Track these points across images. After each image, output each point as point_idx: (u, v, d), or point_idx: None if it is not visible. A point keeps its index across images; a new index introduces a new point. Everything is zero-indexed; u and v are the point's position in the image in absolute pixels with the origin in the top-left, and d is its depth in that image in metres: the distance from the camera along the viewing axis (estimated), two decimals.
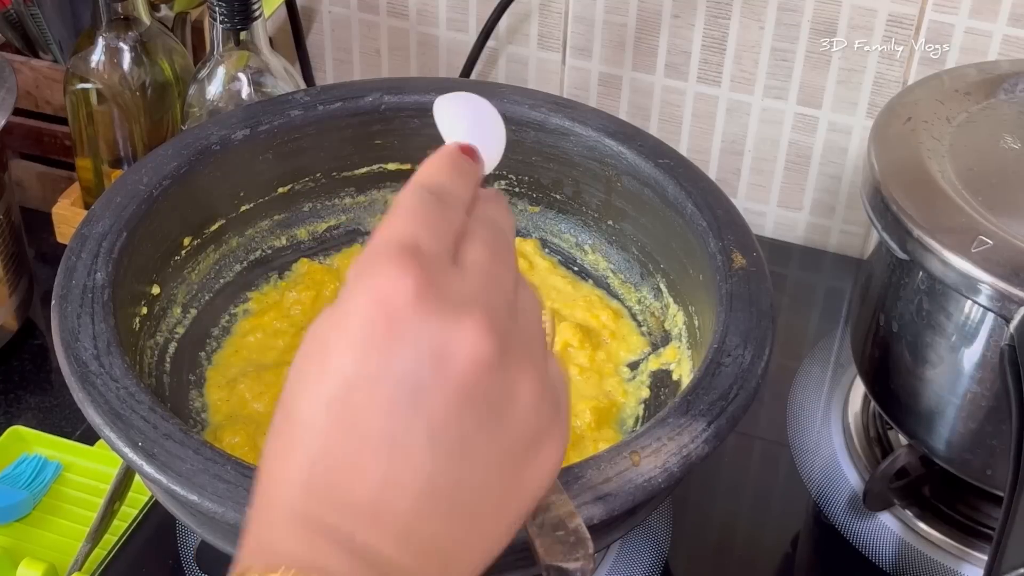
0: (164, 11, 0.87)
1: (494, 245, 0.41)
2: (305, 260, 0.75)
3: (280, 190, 0.74)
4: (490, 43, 0.94)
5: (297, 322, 0.72)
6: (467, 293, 0.38)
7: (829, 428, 0.77)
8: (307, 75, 0.99)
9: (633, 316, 0.73)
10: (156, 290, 0.67)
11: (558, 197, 0.76)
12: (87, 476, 0.72)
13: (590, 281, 0.75)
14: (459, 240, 0.40)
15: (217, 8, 0.73)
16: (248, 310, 0.73)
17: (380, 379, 0.37)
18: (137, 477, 0.68)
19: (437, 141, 0.78)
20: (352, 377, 0.37)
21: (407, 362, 0.37)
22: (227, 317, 0.72)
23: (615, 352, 0.71)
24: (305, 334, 0.39)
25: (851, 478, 0.74)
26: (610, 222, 0.74)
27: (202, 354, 0.70)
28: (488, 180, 0.76)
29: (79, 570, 0.66)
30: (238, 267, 0.73)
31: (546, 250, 0.77)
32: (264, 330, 0.71)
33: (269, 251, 0.74)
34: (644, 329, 0.72)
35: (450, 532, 0.38)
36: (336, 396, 0.37)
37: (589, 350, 0.70)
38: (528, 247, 0.76)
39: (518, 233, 0.77)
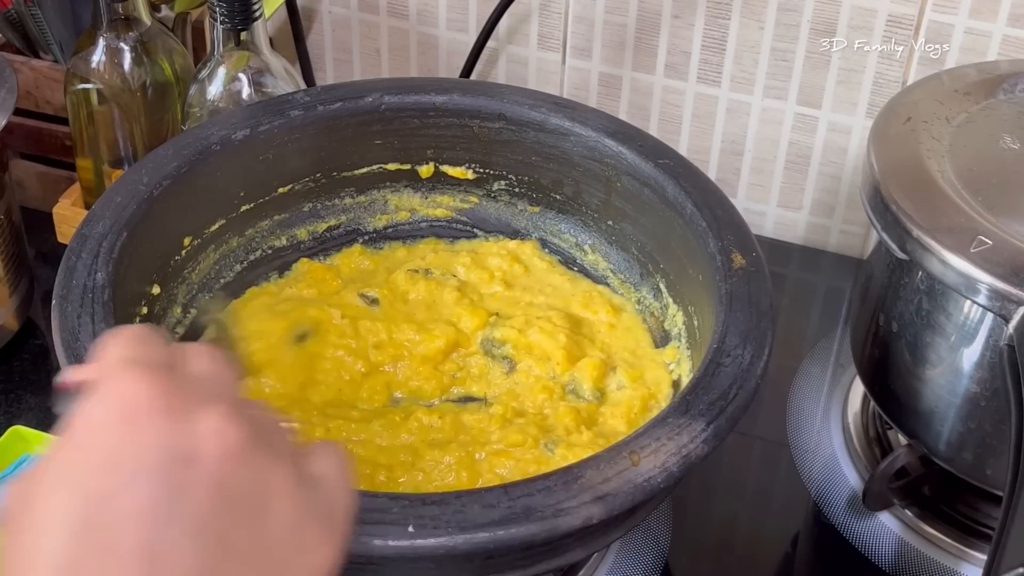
0: (164, 11, 0.87)
1: (213, 358, 0.40)
2: (305, 260, 0.75)
3: (280, 190, 0.74)
4: (490, 43, 0.94)
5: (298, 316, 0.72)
6: (203, 392, 0.38)
7: (829, 428, 0.77)
8: (307, 75, 0.99)
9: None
10: (156, 290, 0.67)
11: (558, 197, 0.76)
12: None
13: (590, 281, 0.75)
14: (176, 365, 0.39)
15: (217, 8, 0.73)
16: None
17: (130, 488, 0.35)
18: None
19: (437, 141, 0.79)
20: (97, 494, 0.35)
21: (157, 467, 0.35)
22: None
23: (614, 345, 0.71)
24: (14, 485, 0.36)
25: (851, 478, 0.74)
26: (610, 222, 0.74)
27: None
28: (489, 180, 0.76)
29: None
30: (238, 267, 0.73)
31: (546, 250, 0.77)
32: None
33: (269, 251, 0.75)
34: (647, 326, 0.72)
35: None
36: (83, 518, 0.35)
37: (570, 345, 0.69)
38: (527, 248, 0.76)
39: (518, 233, 0.77)
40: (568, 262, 0.76)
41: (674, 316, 0.70)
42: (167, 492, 0.35)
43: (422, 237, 0.77)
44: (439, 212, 0.77)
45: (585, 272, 0.76)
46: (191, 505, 0.35)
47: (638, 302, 0.73)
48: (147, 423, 0.36)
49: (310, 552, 0.38)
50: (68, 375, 0.39)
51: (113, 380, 0.37)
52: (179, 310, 0.69)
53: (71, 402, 0.38)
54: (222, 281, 0.72)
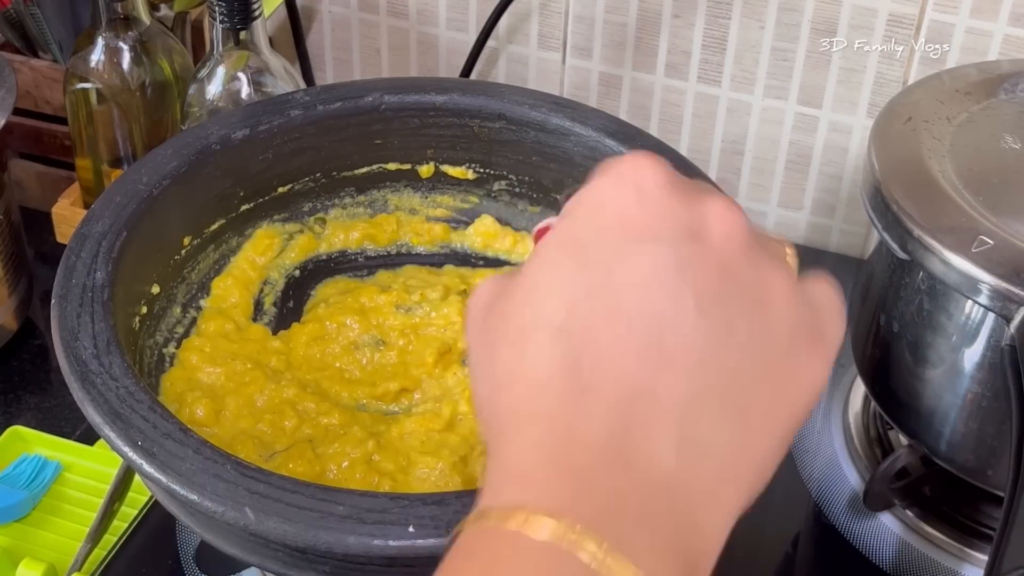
0: (164, 11, 0.87)
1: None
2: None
3: (280, 190, 0.74)
4: (490, 43, 0.94)
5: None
6: (708, 191, 0.38)
7: (829, 428, 0.77)
8: (307, 75, 0.99)
9: None
10: (156, 289, 0.67)
11: (559, 197, 0.75)
12: (87, 476, 0.72)
13: None
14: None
15: (217, 8, 0.73)
16: None
17: (640, 255, 0.35)
18: (137, 477, 0.68)
19: (437, 141, 0.78)
20: (606, 259, 0.35)
21: (665, 236, 0.35)
22: None
23: None
24: (543, 240, 0.37)
25: (851, 478, 0.74)
26: None
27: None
28: (489, 180, 0.76)
29: (79, 570, 0.66)
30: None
31: None
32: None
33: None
34: None
35: (723, 432, 0.35)
36: (594, 281, 0.35)
37: None
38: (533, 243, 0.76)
39: (518, 233, 0.77)
40: None
41: None
42: (676, 262, 0.35)
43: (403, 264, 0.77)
44: (439, 212, 0.77)
45: None
46: (698, 280, 0.35)
47: None
48: (658, 194, 0.36)
49: (804, 365, 0.37)
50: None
51: (625, 160, 0.37)
52: (179, 310, 0.69)
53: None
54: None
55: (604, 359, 0.34)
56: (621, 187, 0.37)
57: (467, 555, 0.34)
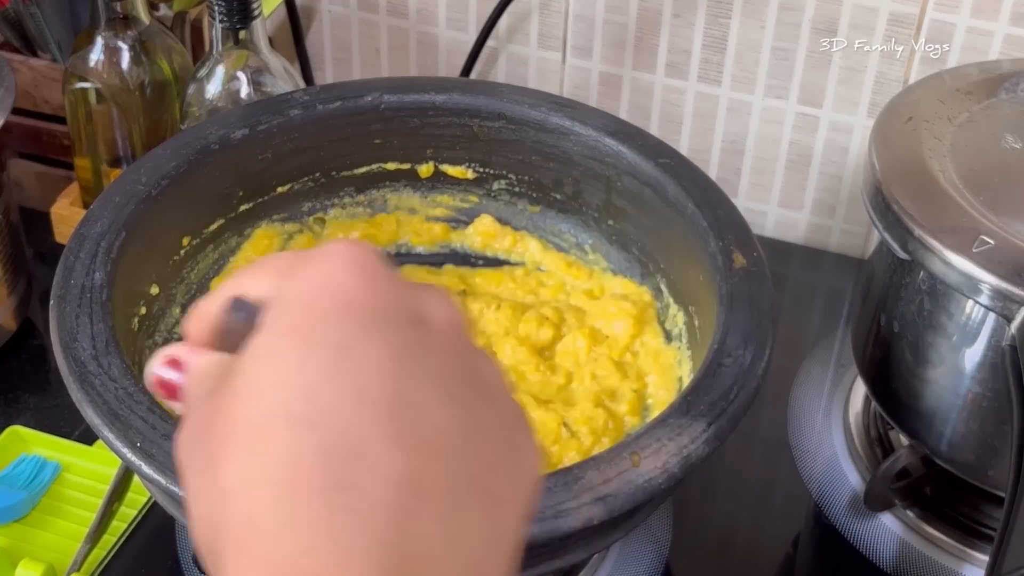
0: (163, 10, 0.87)
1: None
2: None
3: (279, 190, 0.73)
4: (490, 42, 0.94)
5: None
6: (413, 281, 0.35)
7: (830, 428, 0.77)
8: (306, 74, 0.99)
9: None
10: (155, 290, 0.67)
11: (558, 197, 0.76)
12: (86, 476, 0.72)
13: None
14: None
15: (216, 7, 0.73)
16: None
17: (374, 338, 0.32)
18: (136, 477, 0.68)
19: (436, 140, 0.78)
20: (340, 340, 0.32)
21: (394, 320, 0.33)
22: None
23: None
24: (256, 336, 0.33)
25: (852, 478, 0.74)
26: (610, 222, 0.74)
27: None
28: (488, 180, 0.76)
29: (78, 571, 0.66)
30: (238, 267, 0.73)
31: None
32: None
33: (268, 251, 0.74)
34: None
35: (480, 518, 0.32)
36: (329, 365, 0.31)
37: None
38: (534, 242, 0.76)
39: (518, 232, 0.77)
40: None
41: (675, 316, 0.70)
42: (409, 347, 0.32)
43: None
44: (438, 212, 0.77)
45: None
46: (433, 364, 0.33)
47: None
48: (380, 279, 0.33)
49: (528, 443, 0.36)
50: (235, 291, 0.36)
51: (333, 246, 0.34)
52: (178, 310, 0.69)
53: (246, 311, 0.34)
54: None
55: (359, 448, 0.30)
56: (338, 269, 0.33)
57: None
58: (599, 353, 0.69)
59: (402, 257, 0.76)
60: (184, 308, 0.70)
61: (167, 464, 0.52)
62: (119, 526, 0.68)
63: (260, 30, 0.75)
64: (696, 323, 0.67)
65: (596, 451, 0.64)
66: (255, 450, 0.30)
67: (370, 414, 0.31)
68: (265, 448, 0.30)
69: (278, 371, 0.31)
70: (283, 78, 0.76)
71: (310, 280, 0.33)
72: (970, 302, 0.62)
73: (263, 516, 0.30)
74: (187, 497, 0.32)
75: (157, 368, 0.36)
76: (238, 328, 0.34)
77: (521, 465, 0.35)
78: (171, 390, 0.36)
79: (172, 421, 0.54)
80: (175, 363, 0.36)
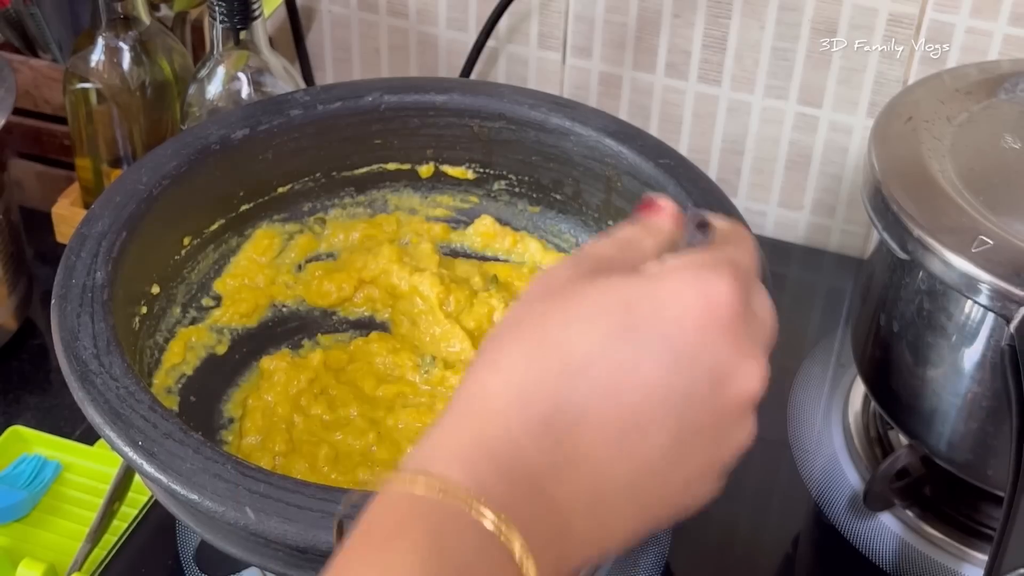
0: (164, 10, 0.87)
1: (766, 298, 0.43)
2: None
3: (280, 190, 0.74)
4: (490, 42, 0.94)
5: None
6: (759, 335, 0.41)
7: (830, 428, 0.77)
8: (307, 75, 0.99)
9: None
10: (156, 289, 0.67)
11: (558, 197, 0.76)
12: (87, 476, 0.72)
13: None
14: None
15: (217, 7, 0.73)
16: None
17: (668, 366, 0.39)
18: (137, 477, 0.68)
19: (437, 141, 0.78)
20: (653, 339, 0.38)
21: (699, 372, 0.39)
22: None
23: None
24: (617, 285, 0.40)
25: (852, 478, 0.74)
26: (610, 222, 0.74)
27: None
28: (489, 180, 0.76)
29: (79, 570, 0.66)
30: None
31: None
32: None
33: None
34: None
35: (626, 513, 0.40)
36: (618, 348, 0.38)
37: None
38: (534, 243, 0.76)
39: (518, 233, 0.77)
40: None
41: None
42: (686, 389, 0.39)
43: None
44: (439, 212, 0.77)
45: None
46: (691, 413, 0.40)
47: None
48: (716, 332, 0.40)
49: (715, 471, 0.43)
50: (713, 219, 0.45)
51: (725, 273, 0.40)
52: (178, 310, 0.69)
53: (699, 238, 0.44)
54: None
55: (568, 411, 0.38)
56: (697, 304, 0.39)
57: (384, 512, 0.37)
58: None
59: None
60: (185, 308, 0.70)
61: (168, 463, 0.52)
62: (120, 525, 0.68)
63: (260, 30, 0.75)
64: None
65: None
66: (561, 357, 0.39)
67: (611, 403, 0.39)
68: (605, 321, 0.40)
69: (591, 326, 0.39)
70: (283, 78, 0.76)
71: (682, 284, 0.40)
72: (969, 302, 0.62)
73: (507, 394, 0.39)
74: (506, 318, 0.41)
75: (659, 200, 0.46)
76: (694, 244, 0.44)
77: (686, 503, 0.43)
78: (643, 210, 0.46)
79: (173, 420, 0.54)
80: (654, 207, 0.45)
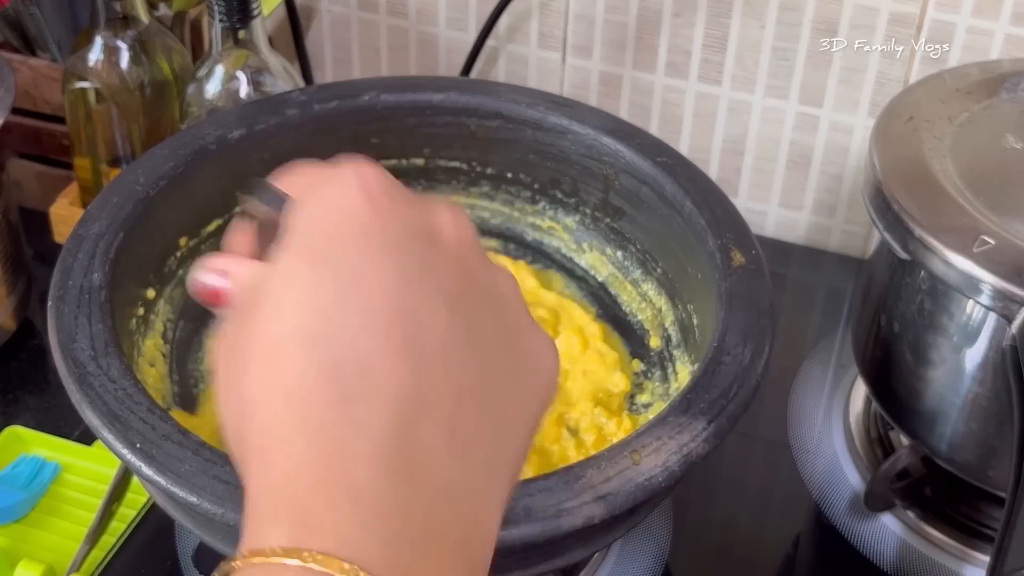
0: (163, 10, 0.87)
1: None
2: None
3: None
4: (490, 42, 0.94)
5: None
6: (428, 198, 0.39)
7: (830, 428, 0.77)
8: (306, 74, 0.99)
9: (626, 320, 0.73)
10: (152, 290, 0.67)
11: (556, 195, 0.75)
12: (85, 477, 0.72)
13: (586, 282, 0.75)
14: None
15: (216, 6, 0.73)
16: None
17: (383, 261, 0.35)
18: (135, 478, 0.68)
19: (434, 139, 0.78)
20: (350, 268, 0.34)
21: (405, 239, 0.35)
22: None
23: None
24: (276, 255, 0.35)
25: (852, 479, 0.74)
26: (608, 220, 0.74)
27: (200, 354, 0.69)
28: (486, 179, 0.76)
29: (77, 571, 0.66)
30: None
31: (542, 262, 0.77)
32: None
33: None
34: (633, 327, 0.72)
35: (485, 428, 0.35)
36: (342, 286, 0.34)
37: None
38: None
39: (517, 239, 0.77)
40: (566, 261, 0.76)
41: (673, 315, 0.70)
42: (418, 265, 0.35)
43: None
44: None
45: (584, 271, 0.75)
46: (442, 281, 0.35)
47: (638, 300, 0.73)
48: (389, 200, 0.36)
49: (541, 356, 0.38)
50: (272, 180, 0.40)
51: (346, 168, 0.37)
52: (176, 311, 0.69)
53: (275, 199, 0.38)
54: None
55: (366, 364, 0.33)
56: (350, 194, 0.36)
57: None
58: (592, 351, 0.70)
59: None
60: (181, 309, 0.69)
61: (166, 465, 0.52)
62: (118, 526, 0.68)
63: (260, 30, 0.75)
64: (695, 322, 0.67)
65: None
66: (273, 366, 0.34)
67: (377, 331, 0.34)
68: (281, 365, 0.34)
69: (295, 294, 0.34)
70: (283, 78, 0.76)
71: (326, 204, 0.36)
72: (970, 302, 0.61)
73: (277, 424, 0.33)
74: (219, 405, 0.36)
75: (203, 276, 0.40)
76: (270, 218, 0.38)
77: (529, 376, 0.37)
78: (216, 297, 0.40)
79: (171, 422, 0.54)
80: (220, 272, 0.39)
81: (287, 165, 0.42)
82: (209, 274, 0.39)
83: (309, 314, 0.34)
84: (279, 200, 0.38)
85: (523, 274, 0.74)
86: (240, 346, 0.35)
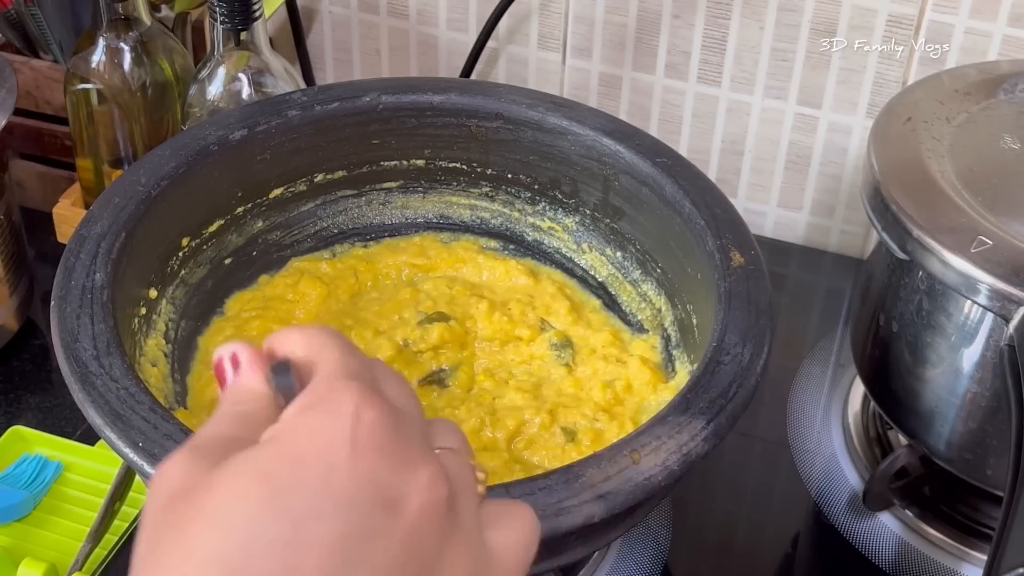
0: (164, 11, 0.87)
1: (402, 383, 0.38)
2: (295, 259, 0.75)
3: (277, 190, 0.74)
4: (490, 43, 0.94)
5: (289, 316, 0.72)
6: (417, 437, 0.36)
7: (829, 428, 0.77)
8: (307, 75, 0.99)
9: (626, 320, 0.73)
10: (154, 290, 0.67)
11: (556, 196, 0.76)
12: (88, 476, 0.72)
13: (586, 283, 0.75)
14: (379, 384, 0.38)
15: (217, 8, 0.73)
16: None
17: (331, 519, 0.33)
18: (137, 477, 0.68)
19: (434, 140, 0.78)
20: (299, 512, 0.33)
21: (362, 504, 0.34)
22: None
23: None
24: (243, 457, 0.34)
25: (851, 478, 0.74)
26: (608, 221, 0.74)
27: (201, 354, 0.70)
28: (487, 180, 0.76)
29: (79, 570, 0.66)
30: (236, 267, 0.73)
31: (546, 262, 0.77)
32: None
33: (267, 250, 0.74)
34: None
35: None
36: (278, 532, 0.32)
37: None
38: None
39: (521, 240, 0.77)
40: (566, 261, 0.76)
41: (672, 314, 0.70)
42: (363, 534, 0.34)
43: (416, 232, 0.77)
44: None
45: (583, 271, 0.75)
46: (380, 553, 0.34)
47: (637, 300, 0.73)
48: (370, 456, 0.34)
49: None
50: (284, 347, 0.37)
51: (345, 395, 0.35)
52: (177, 311, 0.69)
53: (285, 381, 0.36)
54: (219, 281, 0.72)
55: None
56: (340, 434, 0.34)
57: None
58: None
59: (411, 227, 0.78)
60: (183, 309, 0.70)
61: None
62: (121, 525, 0.68)
63: (261, 31, 0.75)
64: (694, 322, 0.67)
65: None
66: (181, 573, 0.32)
67: None
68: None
69: (232, 516, 0.33)
70: (284, 79, 0.76)
71: (312, 431, 0.34)
72: (968, 302, 0.62)
73: None
74: (138, 547, 0.34)
75: (225, 353, 0.38)
76: (283, 390, 0.37)
77: None
78: (221, 382, 0.38)
79: (173, 421, 0.54)
80: (237, 362, 0.38)
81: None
82: (229, 359, 0.38)
83: (236, 548, 0.32)
84: (289, 389, 0.37)
85: (520, 273, 0.75)
86: (168, 531, 0.34)
